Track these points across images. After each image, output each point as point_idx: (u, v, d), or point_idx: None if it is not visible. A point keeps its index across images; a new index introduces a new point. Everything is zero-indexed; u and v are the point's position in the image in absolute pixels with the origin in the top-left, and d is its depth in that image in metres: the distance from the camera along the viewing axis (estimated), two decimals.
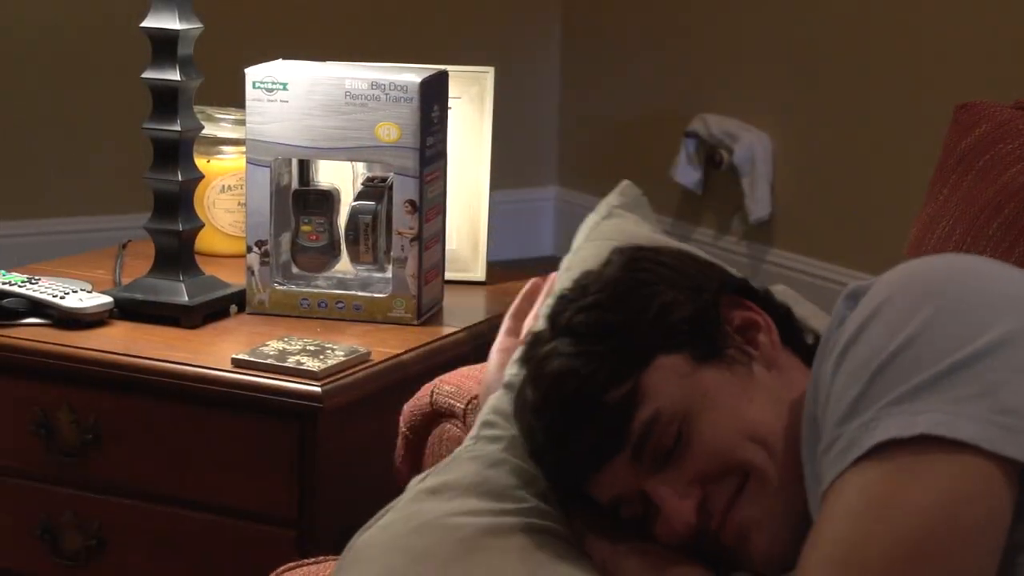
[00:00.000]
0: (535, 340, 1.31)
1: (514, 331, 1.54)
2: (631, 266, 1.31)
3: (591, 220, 1.56)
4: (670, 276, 1.29)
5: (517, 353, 1.45)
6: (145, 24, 1.90)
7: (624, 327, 1.25)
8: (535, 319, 1.52)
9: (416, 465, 1.66)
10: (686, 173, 3.87)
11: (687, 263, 1.32)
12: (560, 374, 1.25)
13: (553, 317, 1.30)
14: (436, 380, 1.70)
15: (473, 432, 1.42)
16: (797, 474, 1.20)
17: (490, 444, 1.38)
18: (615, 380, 1.23)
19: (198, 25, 1.92)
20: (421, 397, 1.69)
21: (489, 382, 1.50)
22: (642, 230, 1.54)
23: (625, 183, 1.59)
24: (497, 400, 1.43)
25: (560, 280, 1.49)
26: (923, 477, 1.06)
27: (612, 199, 1.58)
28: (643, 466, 1.23)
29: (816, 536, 1.09)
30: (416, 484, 1.36)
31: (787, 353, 1.29)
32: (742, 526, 1.21)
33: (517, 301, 1.56)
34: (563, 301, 1.31)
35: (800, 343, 1.31)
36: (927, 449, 1.06)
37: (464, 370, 1.71)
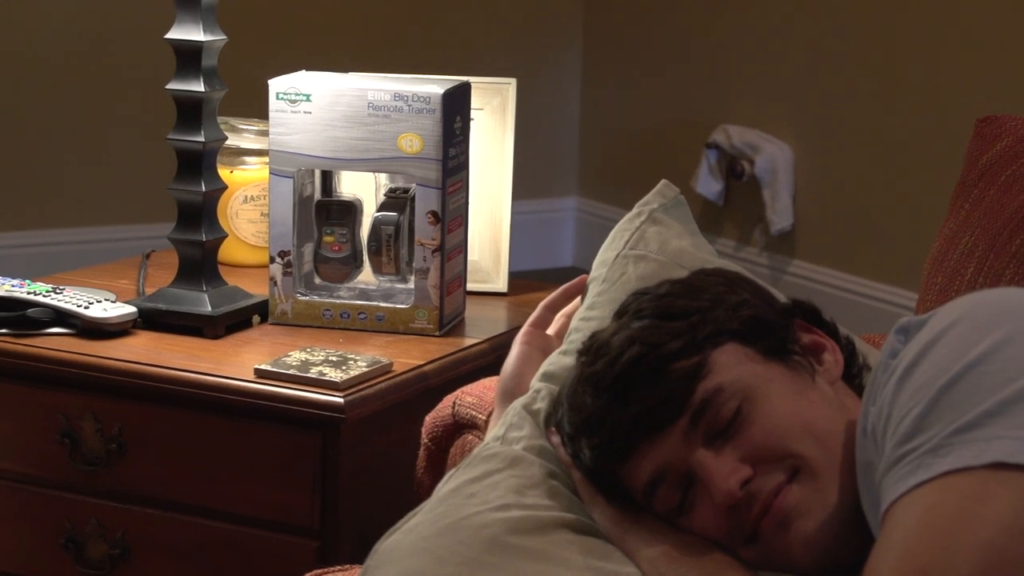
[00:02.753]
0: (597, 332, 1.31)
1: (542, 322, 1.52)
2: (705, 272, 1.33)
3: (632, 224, 1.53)
4: (748, 285, 1.32)
5: (553, 357, 1.44)
6: (170, 36, 1.91)
7: (699, 311, 1.26)
8: (566, 317, 1.52)
9: (438, 476, 1.66)
10: (707, 184, 3.87)
11: (759, 284, 1.35)
12: (628, 342, 1.25)
13: (621, 310, 1.31)
14: (458, 391, 1.69)
15: (498, 432, 1.41)
16: (848, 479, 1.20)
17: (514, 444, 1.38)
18: (685, 352, 1.24)
19: (222, 37, 1.93)
20: (443, 408, 1.68)
21: (507, 376, 1.48)
22: (684, 243, 1.52)
23: (663, 183, 1.56)
24: (527, 401, 1.42)
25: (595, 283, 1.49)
26: (1000, 496, 1.07)
27: (651, 200, 1.55)
28: (697, 440, 1.23)
29: (886, 550, 1.09)
30: (441, 486, 1.36)
31: (845, 385, 1.31)
32: (787, 513, 1.21)
33: (556, 294, 1.54)
34: (632, 296, 1.32)
35: (859, 379, 1.33)
36: (999, 470, 1.07)
37: (486, 381, 1.70)
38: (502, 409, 1.47)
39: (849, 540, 1.21)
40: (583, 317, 1.47)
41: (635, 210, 1.54)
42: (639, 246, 1.50)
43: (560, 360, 1.44)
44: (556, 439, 1.35)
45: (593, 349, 1.29)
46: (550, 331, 1.52)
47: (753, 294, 1.31)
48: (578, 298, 1.53)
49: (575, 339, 1.43)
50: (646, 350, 1.24)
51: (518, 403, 1.42)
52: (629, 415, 1.24)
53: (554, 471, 1.34)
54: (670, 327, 1.25)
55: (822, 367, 1.29)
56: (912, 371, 1.14)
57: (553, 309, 1.53)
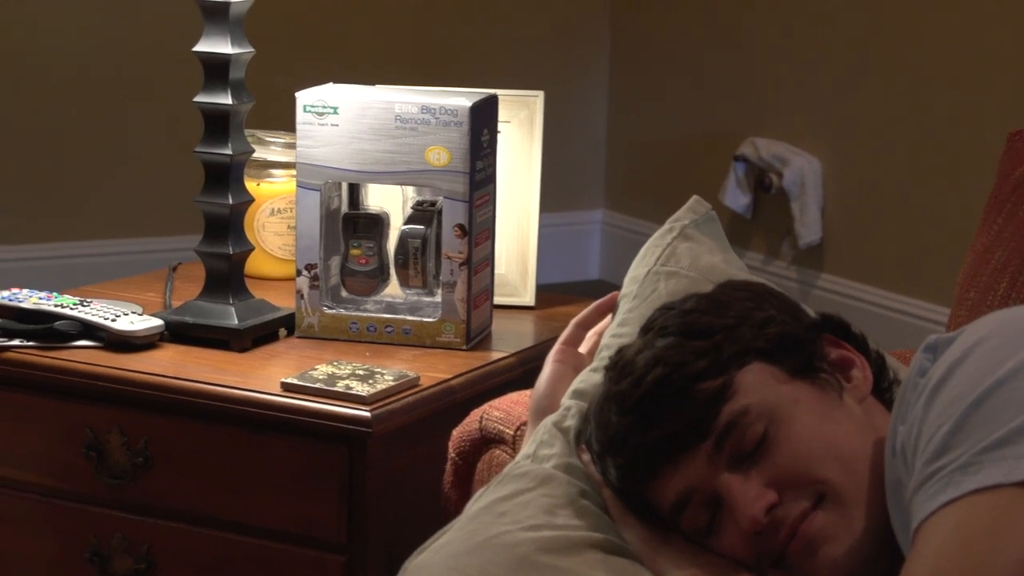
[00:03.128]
0: (623, 348, 1.30)
1: (574, 340, 1.52)
2: (732, 285, 1.32)
3: (663, 240, 1.52)
4: (775, 300, 1.31)
5: (583, 374, 1.44)
6: (197, 48, 1.91)
7: (724, 329, 1.25)
8: (598, 335, 1.51)
9: (465, 491, 1.66)
10: (735, 197, 3.86)
11: (787, 298, 1.33)
12: (653, 361, 1.24)
13: (647, 326, 1.30)
14: (485, 406, 1.69)
15: (528, 450, 1.41)
16: (876, 501, 1.20)
17: (544, 462, 1.37)
18: (710, 373, 1.23)
19: (250, 49, 1.93)
20: (470, 423, 1.68)
21: (540, 395, 1.48)
22: (715, 259, 1.51)
23: (695, 199, 1.55)
24: (557, 418, 1.41)
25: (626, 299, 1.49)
26: None
27: (682, 216, 1.54)
28: (723, 463, 1.22)
29: (916, 567, 1.08)
30: (471, 504, 1.35)
31: (875, 400, 1.29)
32: (813, 538, 1.20)
33: (587, 311, 1.53)
34: (658, 311, 1.30)
35: (889, 394, 1.31)
36: None
37: (513, 396, 1.70)
38: (534, 427, 1.46)
39: (877, 562, 1.20)
40: (614, 334, 1.46)
41: (666, 226, 1.53)
42: (670, 262, 1.49)
43: (591, 377, 1.43)
44: (586, 457, 1.34)
45: (619, 366, 1.28)
46: (582, 349, 1.51)
47: (780, 309, 1.30)
48: (609, 315, 1.52)
49: (605, 356, 1.42)
50: (670, 371, 1.23)
51: (548, 420, 1.42)
52: (653, 437, 1.23)
53: (585, 490, 1.33)
54: (694, 346, 1.24)
55: (850, 384, 1.28)
56: (941, 388, 1.14)
57: (584, 327, 1.52)
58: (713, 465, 1.22)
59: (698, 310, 1.28)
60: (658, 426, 1.23)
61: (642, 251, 1.52)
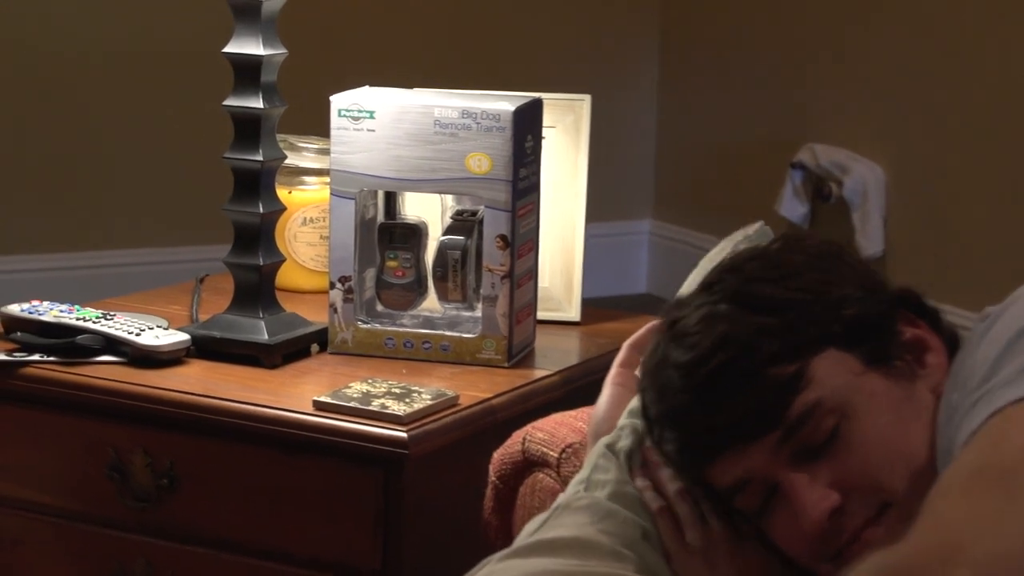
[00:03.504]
0: (680, 302, 1.28)
1: (631, 362, 1.51)
2: (801, 247, 1.29)
3: (717, 257, 1.50)
4: (849, 270, 1.29)
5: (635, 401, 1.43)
6: (228, 50, 1.92)
7: (799, 307, 1.23)
8: None
9: (506, 517, 1.66)
10: (792, 207, 3.85)
11: (860, 263, 1.31)
12: (724, 338, 1.22)
13: (708, 283, 1.28)
14: (528, 427, 1.69)
15: (583, 474, 1.40)
16: None
17: (599, 489, 1.36)
18: (782, 358, 1.21)
19: (282, 51, 1.94)
20: (512, 445, 1.68)
21: (599, 419, 1.47)
22: None
23: (759, 224, 1.54)
24: (611, 439, 1.41)
25: None
26: None
27: (738, 237, 1.53)
28: (787, 454, 1.22)
29: (955, 466, 1.10)
30: (523, 537, 1.35)
31: None
32: (875, 545, 1.19)
33: (641, 333, 1.52)
34: (722, 270, 1.28)
35: None
36: None
37: (558, 416, 1.70)
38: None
39: None
40: None
41: (721, 244, 1.52)
42: None
43: None
44: (641, 483, 1.33)
45: (678, 328, 1.26)
46: (638, 372, 1.51)
47: (855, 282, 1.27)
48: None
49: None
50: (739, 352, 1.22)
51: (602, 442, 1.41)
52: (717, 422, 1.22)
53: (647, 529, 1.33)
54: (762, 323, 1.22)
55: (924, 370, 1.27)
56: (988, 331, 1.17)
57: (639, 347, 1.52)
58: (776, 455, 1.22)
59: (764, 279, 1.26)
60: (724, 411, 1.22)
61: (696, 269, 1.52)
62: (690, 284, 1.51)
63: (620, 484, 1.36)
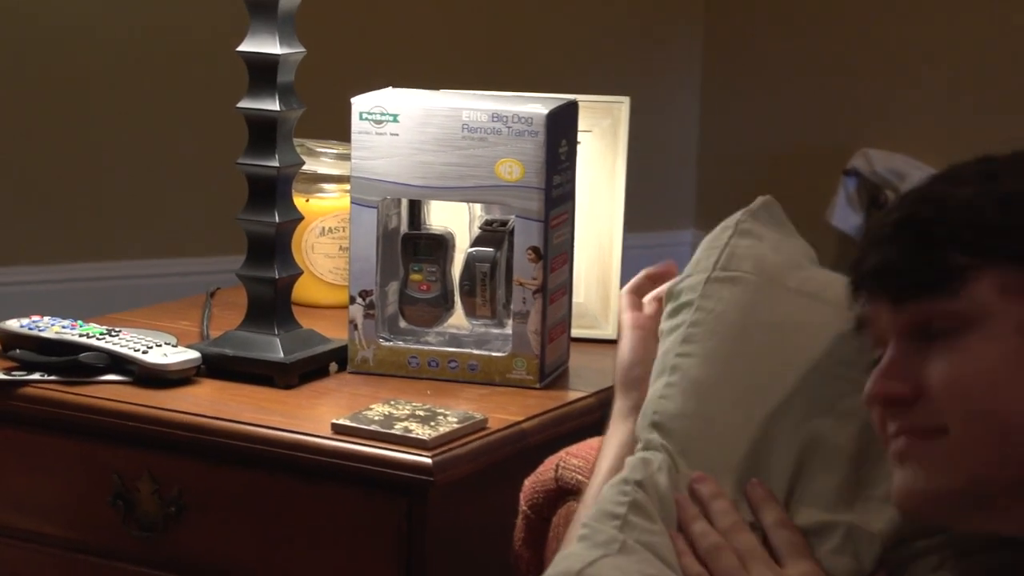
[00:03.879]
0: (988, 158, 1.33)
1: (638, 306, 1.58)
2: None
3: (720, 239, 1.53)
4: None
5: (655, 402, 1.44)
6: (242, 48, 1.92)
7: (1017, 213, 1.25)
8: (658, 302, 1.56)
9: (538, 549, 1.65)
10: (845, 217, 3.84)
11: None
12: (958, 199, 1.26)
13: (954, 171, 1.31)
14: (561, 452, 1.68)
15: (617, 509, 1.39)
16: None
17: (633, 533, 1.36)
18: (974, 249, 1.24)
19: (300, 49, 1.94)
20: (544, 472, 1.67)
21: (627, 364, 1.53)
22: (780, 257, 1.52)
23: (762, 199, 1.58)
24: (643, 474, 1.41)
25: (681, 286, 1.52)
26: None
27: (741, 217, 1.56)
28: (906, 321, 1.26)
29: None
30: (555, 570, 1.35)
31: None
32: (907, 456, 1.24)
33: (639, 277, 1.60)
34: (976, 160, 1.32)
35: None
36: None
37: (593, 441, 1.69)
38: (625, 400, 1.52)
39: (953, 519, 1.25)
40: (680, 353, 1.46)
41: (721, 225, 1.53)
42: (731, 265, 1.49)
43: (665, 407, 1.45)
44: (681, 544, 1.36)
45: (955, 169, 1.30)
46: (647, 310, 1.58)
47: None
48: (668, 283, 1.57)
49: (675, 381, 1.45)
50: (944, 218, 1.25)
51: (634, 473, 1.41)
52: (880, 264, 1.27)
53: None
54: (994, 214, 1.24)
55: None
56: None
57: (640, 292, 1.59)
58: (900, 319, 1.26)
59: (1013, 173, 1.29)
60: (893, 259, 1.26)
61: (697, 253, 1.53)
62: (691, 269, 1.52)
63: (657, 541, 1.36)
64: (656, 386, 1.48)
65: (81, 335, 1.94)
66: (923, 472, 1.23)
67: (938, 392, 1.23)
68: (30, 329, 1.96)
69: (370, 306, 1.96)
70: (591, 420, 1.90)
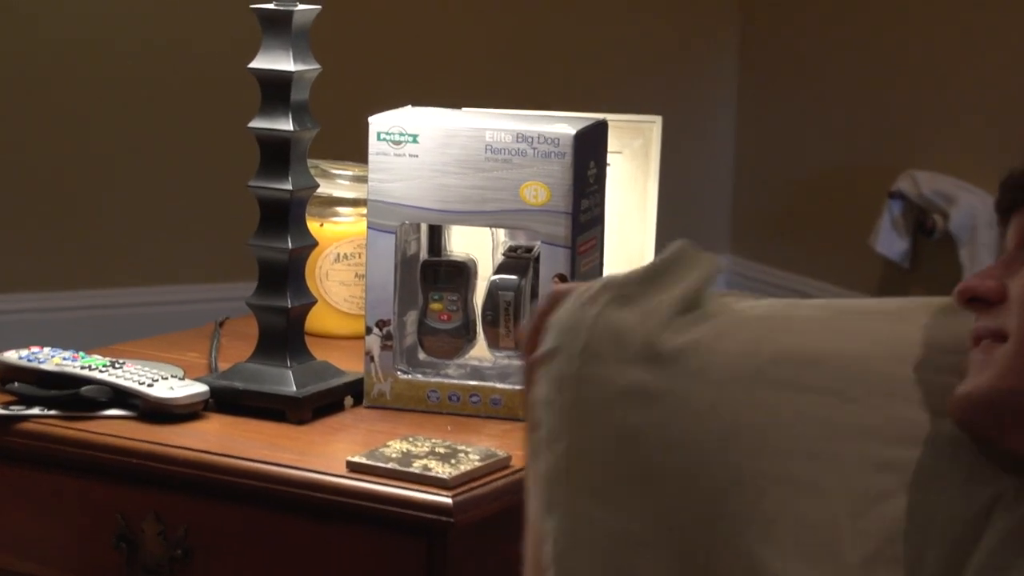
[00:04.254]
0: None
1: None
2: None
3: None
4: None
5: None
6: (254, 65, 1.93)
7: None
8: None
9: None
10: (890, 242, 3.83)
11: None
12: None
13: None
14: None
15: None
16: None
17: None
18: None
19: (315, 66, 1.94)
20: None
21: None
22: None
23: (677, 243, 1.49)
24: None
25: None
26: None
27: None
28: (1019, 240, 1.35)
29: None
30: None
31: None
32: (973, 359, 1.33)
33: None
34: None
35: None
36: None
37: None
38: None
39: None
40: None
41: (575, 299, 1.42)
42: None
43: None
44: None
45: None
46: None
47: None
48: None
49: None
50: None
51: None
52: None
53: None
54: None
55: None
56: None
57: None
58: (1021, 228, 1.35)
59: None
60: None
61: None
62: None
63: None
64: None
65: (83, 367, 1.94)
66: (978, 376, 1.32)
67: (1012, 299, 1.32)
68: (29, 361, 1.96)
69: (387, 337, 1.96)
70: None
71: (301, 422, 1.92)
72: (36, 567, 1.93)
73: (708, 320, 1.41)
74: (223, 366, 2.04)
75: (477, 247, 2.02)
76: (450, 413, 1.95)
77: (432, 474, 1.75)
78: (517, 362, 1.98)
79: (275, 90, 1.93)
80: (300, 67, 1.93)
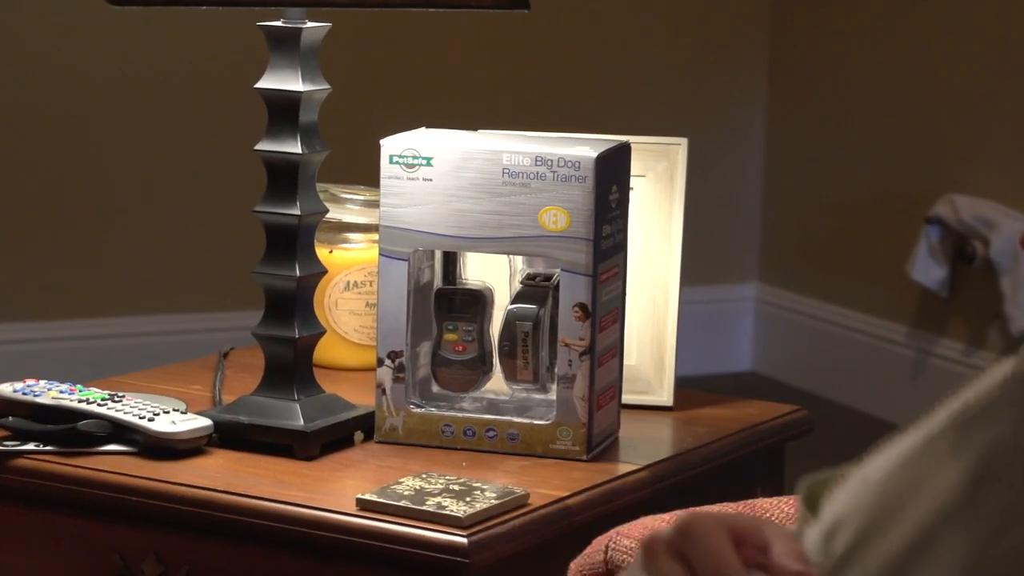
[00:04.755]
0: None
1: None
2: None
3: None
4: None
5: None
6: (261, 85, 1.93)
7: None
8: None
9: None
10: (927, 269, 3.83)
11: None
12: None
13: None
14: (612, 532, 1.68)
15: None
16: None
17: None
18: None
19: (325, 86, 1.95)
20: (593, 553, 1.67)
21: None
22: None
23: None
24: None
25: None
26: None
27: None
28: None
29: None
30: None
31: None
32: None
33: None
34: None
35: None
36: None
37: (646, 520, 1.69)
38: None
39: None
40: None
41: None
42: None
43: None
44: None
45: None
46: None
47: None
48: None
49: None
50: None
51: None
52: None
53: None
54: None
55: None
56: None
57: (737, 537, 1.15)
58: None
59: None
60: None
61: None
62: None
63: None
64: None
65: (80, 401, 1.95)
66: None
67: None
68: (24, 394, 1.97)
69: (400, 369, 1.96)
70: (644, 496, 1.90)
71: (309, 458, 1.92)
72: None
73: None
74: (227, 399, 2.04)
75: (494, 275, 2.02)
76: (465, 448, 1.95)
77: (446, 512, 1.75)
78: (536, 395, 1.99)
79: (283, 111, 1.93)
80: (309, 87, 1.93)
